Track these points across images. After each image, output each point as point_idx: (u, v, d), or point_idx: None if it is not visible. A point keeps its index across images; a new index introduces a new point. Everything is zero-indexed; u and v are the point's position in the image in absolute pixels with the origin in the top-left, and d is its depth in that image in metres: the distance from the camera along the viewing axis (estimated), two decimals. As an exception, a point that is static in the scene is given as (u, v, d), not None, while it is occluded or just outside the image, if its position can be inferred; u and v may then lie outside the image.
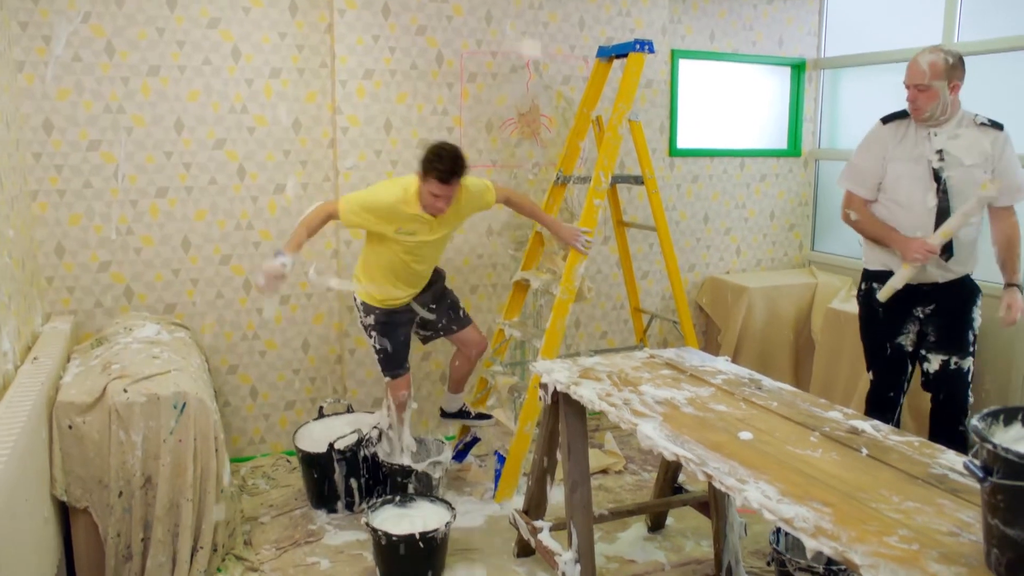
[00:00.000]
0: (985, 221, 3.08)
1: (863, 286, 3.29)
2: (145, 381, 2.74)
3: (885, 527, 1.62)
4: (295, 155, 3.87)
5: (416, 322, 3.49)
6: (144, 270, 3.69)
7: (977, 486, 1.62)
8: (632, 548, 3.15)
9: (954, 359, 3.10)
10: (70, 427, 2.65)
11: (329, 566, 3.03)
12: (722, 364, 2.82)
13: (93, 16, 3.43)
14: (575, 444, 2.62)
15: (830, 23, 4.99)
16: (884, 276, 3.15)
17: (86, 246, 3.58)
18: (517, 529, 3.01)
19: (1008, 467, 1.38)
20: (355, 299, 3.38)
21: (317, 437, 3.46)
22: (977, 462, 1.45)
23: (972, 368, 3.12)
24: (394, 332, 3.38)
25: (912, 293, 3.11)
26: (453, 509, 3.01)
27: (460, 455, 3.84)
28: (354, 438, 3.36)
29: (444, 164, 3.00)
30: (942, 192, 2.99)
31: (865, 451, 2.01)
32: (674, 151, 4.71)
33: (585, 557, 2.57)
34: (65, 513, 2.75)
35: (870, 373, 3.31)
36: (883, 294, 3.12)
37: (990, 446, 1.41)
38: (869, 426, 2.18)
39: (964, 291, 3.12)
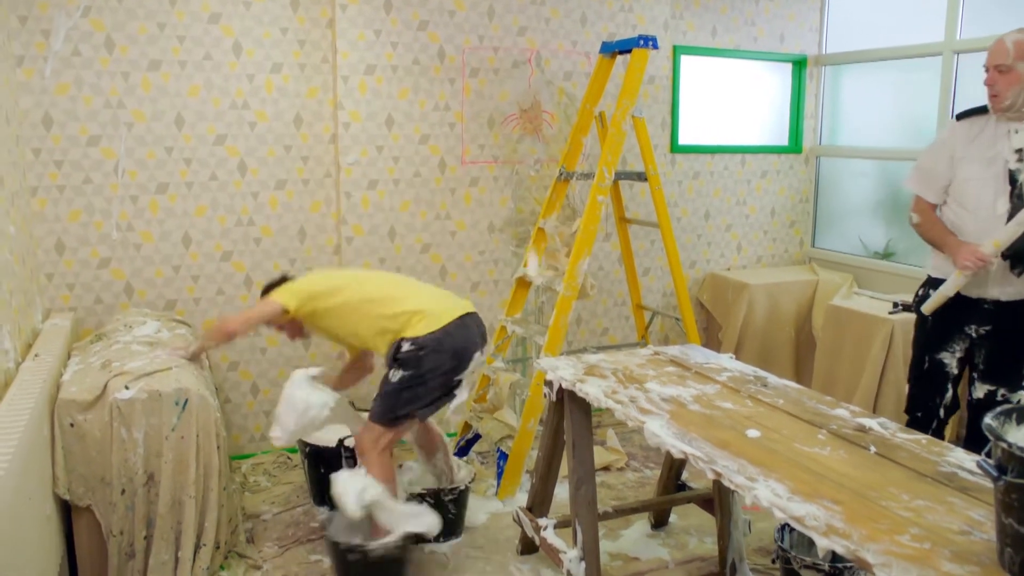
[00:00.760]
0: None
1: (920, 292, 3.03)
2: (146, 378, 2.72)
3: (896, 525, 1.61)
4: (296, 151, 3.85)
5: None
6: (144, 266, 3.67)
7: (988, 484, 1.62)
8: (636, 545, 3.15)
9: (1002, 391, 2.78)
10: (72, 425, 2.64)
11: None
12: (727, 361, 2.81)
13: (93, 10, 3.41)
14: (580, 441, 2.61)
15: (832, 19, 4.98)
16: None
17: (86, 242, 3.56)
18: (521, 526, 3.00)
19: (1023, 466, 1.38)
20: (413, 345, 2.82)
21: (320, 433, 3.43)
22: (991, 461, 1.44)
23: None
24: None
25: (967, 307, 2.81)
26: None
27: (461, 452, 3.84)
28: None
29: None
30: (1016, 197, 2.65)
31: (873, 449, 2.00)
32: (675, 147, 4.70)
33: (590, 555, 2.56)
34: (67, 511, 2.73)
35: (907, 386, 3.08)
36: (929, 304, 2.87)
37: (1004, 445, 1.40)
38: (876, 424, 2.17)
39: None
